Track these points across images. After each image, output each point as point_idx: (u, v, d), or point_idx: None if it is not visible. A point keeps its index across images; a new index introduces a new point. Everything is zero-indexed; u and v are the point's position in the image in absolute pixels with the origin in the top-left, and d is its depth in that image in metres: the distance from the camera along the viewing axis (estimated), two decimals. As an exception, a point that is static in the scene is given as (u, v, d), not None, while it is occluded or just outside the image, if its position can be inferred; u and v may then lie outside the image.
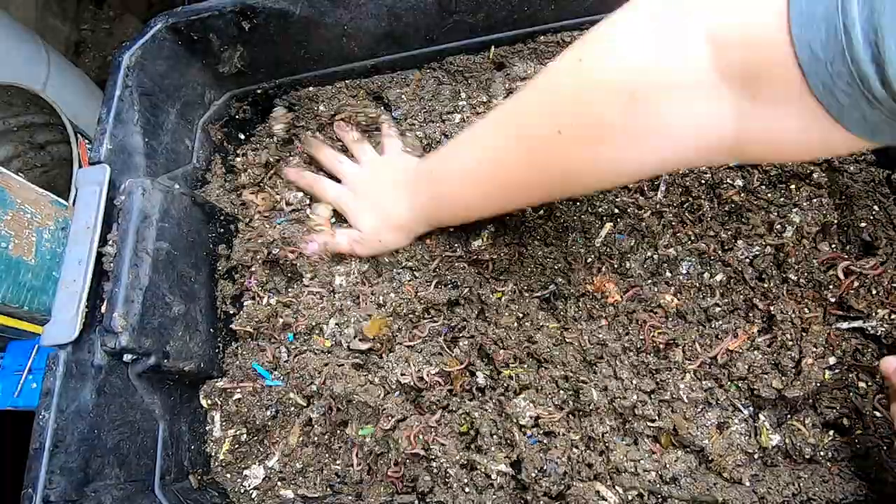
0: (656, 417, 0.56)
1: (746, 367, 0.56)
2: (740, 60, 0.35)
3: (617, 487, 0.55)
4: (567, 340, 0.61)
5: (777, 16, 0.31)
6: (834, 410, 0.55)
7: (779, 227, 0.62)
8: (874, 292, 0.56)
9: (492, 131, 0.52)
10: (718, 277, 0.61)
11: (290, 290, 0.70)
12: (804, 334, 0.57)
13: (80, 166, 0.93)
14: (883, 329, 0.55)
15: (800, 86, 0.32)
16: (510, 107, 0.50)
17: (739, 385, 0.57)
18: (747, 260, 0.62)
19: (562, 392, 0.59)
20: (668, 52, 0.37)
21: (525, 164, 0.49)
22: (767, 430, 0.56)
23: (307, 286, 0.69)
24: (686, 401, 0.57)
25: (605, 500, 0.54)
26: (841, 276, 0.59)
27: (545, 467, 0.55)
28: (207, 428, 0.65)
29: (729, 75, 0.35)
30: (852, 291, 0.58)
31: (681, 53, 0.36)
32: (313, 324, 0.66)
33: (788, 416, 0.57)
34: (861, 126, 0.32)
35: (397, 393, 0.63)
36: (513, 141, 0.49)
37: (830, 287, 0.59)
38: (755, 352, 0.57)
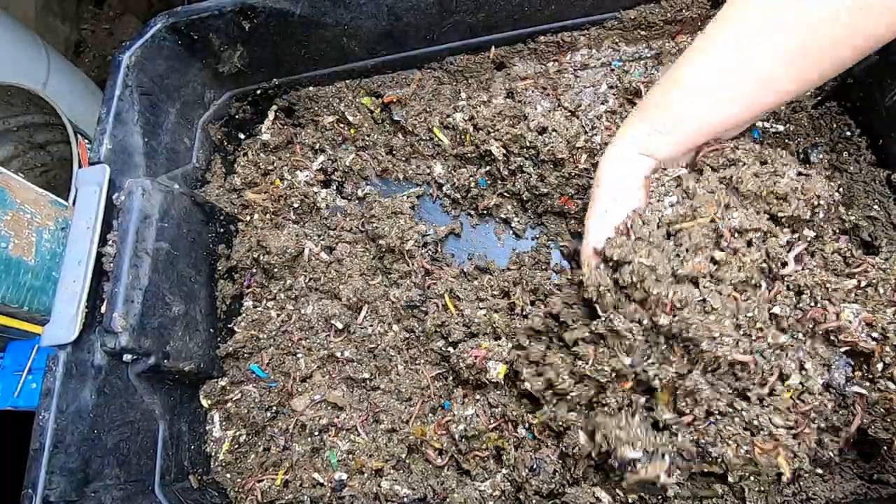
0: None
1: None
2: None
3: (616, 490, 0.54)
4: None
5: None
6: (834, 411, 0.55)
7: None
8: (882, 291, 0.56)
9: (738, 38, 0.49)
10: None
11: (289, 291, 0.70)
12: (806, 336, 0.56)
13: (80, 166, 0.93)
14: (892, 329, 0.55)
15: None
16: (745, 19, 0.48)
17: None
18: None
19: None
20: None
21: (788, 56, 0.48)
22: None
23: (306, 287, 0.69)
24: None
25: (601, 500, 0.54)
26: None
27: (535, 466, 0.55)
28: (207, 428, 0.65)
29: None
30: (858, 291, 0.57)
31: None
32: (311, 326, 0.66)
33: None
34: None
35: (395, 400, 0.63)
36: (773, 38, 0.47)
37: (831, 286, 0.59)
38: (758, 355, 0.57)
